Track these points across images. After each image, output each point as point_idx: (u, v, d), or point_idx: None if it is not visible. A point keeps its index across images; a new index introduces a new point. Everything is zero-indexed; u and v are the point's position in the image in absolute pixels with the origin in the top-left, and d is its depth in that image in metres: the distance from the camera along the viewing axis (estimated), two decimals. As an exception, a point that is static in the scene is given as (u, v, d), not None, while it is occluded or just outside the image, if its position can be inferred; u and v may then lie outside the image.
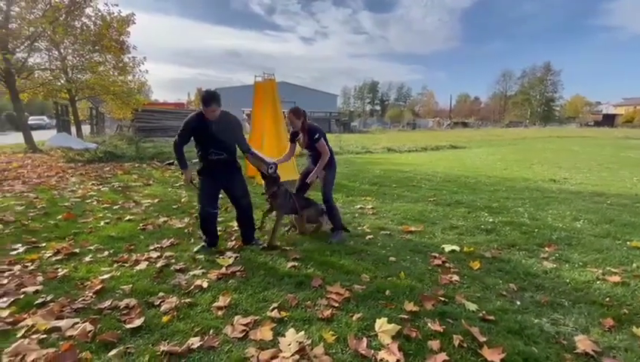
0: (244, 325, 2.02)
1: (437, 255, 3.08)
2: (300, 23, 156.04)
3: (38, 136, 13.59)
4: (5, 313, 2.14)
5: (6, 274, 2.70)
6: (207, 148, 3.03)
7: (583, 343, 1.87)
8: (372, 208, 4.73)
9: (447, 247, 3.24)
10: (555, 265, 2.89)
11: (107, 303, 2.26)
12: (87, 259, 3.00)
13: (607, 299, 2.35)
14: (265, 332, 1.96)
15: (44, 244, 3.34)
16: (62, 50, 13.41)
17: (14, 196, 5.36)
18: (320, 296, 2.38)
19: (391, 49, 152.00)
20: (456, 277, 2.64)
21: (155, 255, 3.07)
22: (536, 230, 3.81)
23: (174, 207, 4.83)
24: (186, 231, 3.77)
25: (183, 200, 5.22)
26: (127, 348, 1.83)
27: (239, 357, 1.77)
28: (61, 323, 2.01)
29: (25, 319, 2.07)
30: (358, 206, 4.86)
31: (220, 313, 2.16)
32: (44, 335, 1.93)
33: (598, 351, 1.82)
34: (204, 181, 3.15)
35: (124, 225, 4.00)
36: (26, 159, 10.01)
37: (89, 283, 2.54)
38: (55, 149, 11.66)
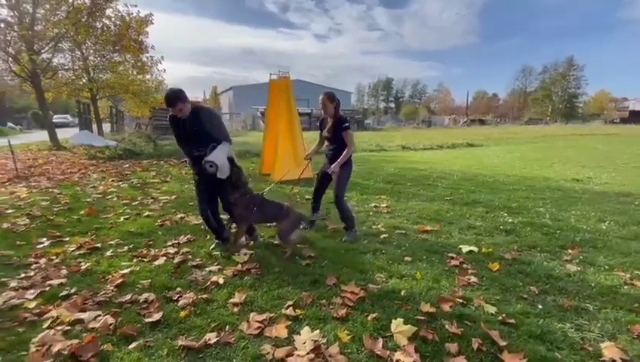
0: (260, 322, 2.04)
1: (454, 255, 3.01)
2: (313, 20, 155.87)
3: (61, 133, 14.09)
4: (32, 304, 2.23)
5: (33, 266, 2.81)
6: (188, 145, 3.01)
7: (610, 350, 1.79)
8: (387, 207, 4.68)
9: (465, 248, 3.17)
10: (579, 268, 2.78)
11: (127, 297, 2.32)
12: (108, 253, 3.09)
13: (636, 305, 2.24)
14: (280, 330, 1.96)
15: (67, 239, 3.46)
16: (84, 51, 13.87)
17: (40, 191, 5.59)
18: (335, 294, 2.37)
19: (406, 45, 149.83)
20: (474, 279, 2.58)
21: (172, 251, 3.13)
22: (558, 231, 3.67)
23: (191, 203, 4.91)
24: (202, 227, 3.82)
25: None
26: (147, 341, 1.88)
27: (255, 353, 1.79)
28: (84, 316, 2.08)
29: (50, 311, 2.15)
30: (373, 204, 4.81)
31: (235, 309, 2.18)
32: (68, 327, 2.00)
33: (626, 360, 1.74)
34: (197, 179, 3.13)
35: (142, 220, 4.10)
36: (51, 156, 10.41)
37: (110, 277, 2.62)
38: (78, 147, 12.08)
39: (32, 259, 2.94)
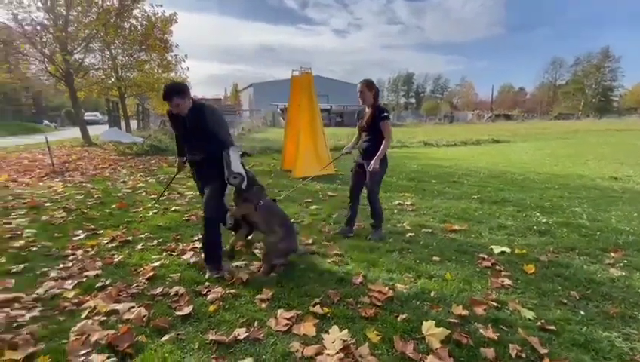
0: (288, 319, 2.03)
1: (485, 256, 2.90)
2: (333, 15, 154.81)
3: (92, 130, 14.73)
4: (71, 294, 2.33)
5: (70, 258, 2.94)
6: (185, 146, 2.76)
7: (665, 363, 1.66)
8: (411, 204, 4.58)
9: (497, 248, 3.04)
10: (623, 273, 2.60)
11: (159, 290, 2.38)
12: (139, 246, 3.19)
13: (692, 315, 2.07)
14: (308, 328, 1.95)
15: (101, 231, 3.60)
16: (113, 51, 14.39)
17: (75, 186, 5.86)
18: (362, 293, 2.33)
19: (427, 39, 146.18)
20: (508, 281, 2.47)
21: (199, 245, 3.18)
22: (598, 233, 3.46)
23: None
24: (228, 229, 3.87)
25: (222, 192, 5.39)
26: (179, 334, 1.91)
27: (284, 351, 1.78)
28: (119, 307, 2.15)
29: (87, 301, 2.24)
30: (397, 202, 4.72)
31: (263, 305, 2.19)
32: (105, 317, 2.07)
33: (684, 374, 1.60)
34: (196, 182, 2.93)
35: (170, 215, 4.21)
36: (83, 152, 10.91)
37: (142, 269, 2.70)
38: (107, 143, 12.61)
39: (70, 251, 3.08)
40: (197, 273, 2.66)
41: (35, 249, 3.12)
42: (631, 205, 4.50)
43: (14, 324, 1.98)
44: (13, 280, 2.49)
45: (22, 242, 3.24)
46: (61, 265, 2.78)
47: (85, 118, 20.32)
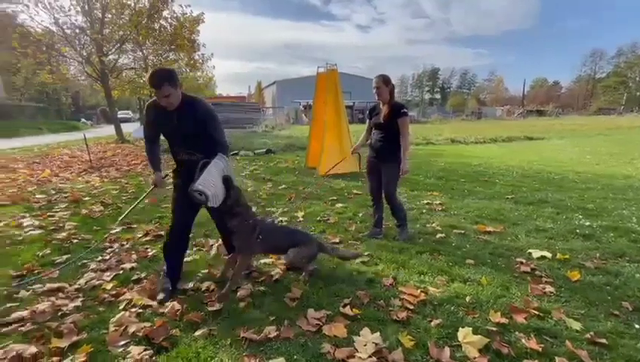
0: (318, 319, 2.01)
1: (523, 260, 2.74)
2: (355, 10, 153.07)
3: (124, 128, 15.43)
4: (109, 286, 2.43)
5: (108, 251, 3.08)
6: (173, 145, 2.41)
7: None
8: (440, 204, 4.42)
9: (535, 253, 2.86)
10: (682, 284, 2.37)
11: (190, 284, 2.43)
12: (171, 241, 3.27)
13: None
14: (339, 329, 1.91)
15: (135, 226, 3.74)
16: (144, 51, 14.95)
17: (110, 181, 6.15)
18: (393, 295, 2.26)
19: (453, 32, 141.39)
20: (550, 288, 2.31)
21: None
22: (650, 238, 3.18)
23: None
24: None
25: (248, 189, 5.46)
26: (211, 329, 1.94)
27: (315, 352, 1.76)
28: (153, 303, 2.21)
29: (125, 293, 2.32)
30: (425, 201, 4.58)
31: (293, 304, 2.18)
32: (141, 310, 2.13)
33: None
34: (176, 189, 2.49)
35: (200, 211, 4.29)
36: (117, 149, 11.46)
37: (174, 264, 2.76)
38: (139, 140, 13.16)
39: (107, 244, 3.22)
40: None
41: (76, 241, 3.29)
42: (687, 208, 4.11)
43: (59, 313, 2.09)
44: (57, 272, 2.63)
45: (64, 234, 3.43)
46: (99, 258, 2.91)
47: (118, 116, 21.40)
